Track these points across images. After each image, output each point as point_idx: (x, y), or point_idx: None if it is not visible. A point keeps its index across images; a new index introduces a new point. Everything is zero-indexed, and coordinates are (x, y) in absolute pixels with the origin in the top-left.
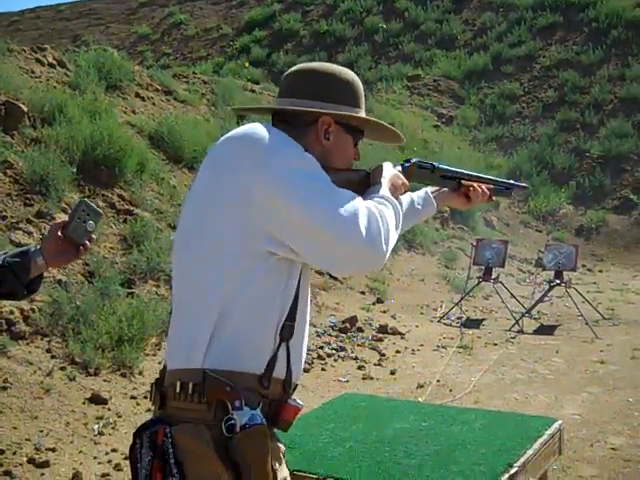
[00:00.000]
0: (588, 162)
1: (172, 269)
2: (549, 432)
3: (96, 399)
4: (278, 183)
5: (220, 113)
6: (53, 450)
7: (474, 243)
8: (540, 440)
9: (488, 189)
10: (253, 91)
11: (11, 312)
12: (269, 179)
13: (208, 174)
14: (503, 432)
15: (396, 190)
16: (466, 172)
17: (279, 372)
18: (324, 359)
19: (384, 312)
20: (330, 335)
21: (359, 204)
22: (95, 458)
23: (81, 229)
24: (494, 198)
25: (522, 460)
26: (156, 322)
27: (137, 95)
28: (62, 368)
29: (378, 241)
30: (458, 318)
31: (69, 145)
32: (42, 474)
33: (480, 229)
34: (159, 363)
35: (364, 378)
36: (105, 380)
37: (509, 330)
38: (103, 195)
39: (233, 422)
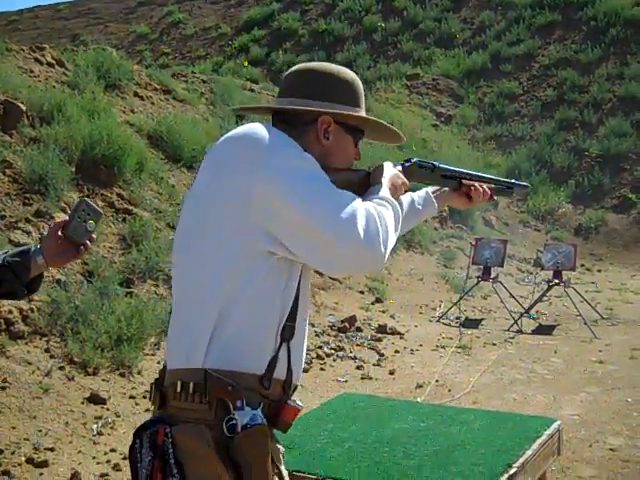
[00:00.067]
0: (587, 161)
1: (172, 269)
2: (548, 432)
3: (95, 399)
4: (278, 183)
5: (219, 112)
6: (52, 450)
7: (473, 242)
8: (539, 440)
9: (489, 188)
10: (252, 90)
11: (10, 312)
12: (269, 179)
13: (208, 174)
14: (502, 432)
15: (396, 190)
16: (467, 171)
17: (280, 373)
18: (323, 359)
19: (383, 312)
20: (329, 335)
21: (358, 205)
22: (94, 458)
23: (81, 229)
24: (495, 198)
25: (521, 460)
26: (155, 322)
27: (136, 94)
28: (61, 368)
29: (376, 242)
30: (457, 318)
31: (68, 144)
32: (41, 474)
33: (479, 228)
34: (158, 363)
35: (363, 378)
36: (104, 380)
37: (508, 330)
38: (102, 194)
39: (234, 422)
